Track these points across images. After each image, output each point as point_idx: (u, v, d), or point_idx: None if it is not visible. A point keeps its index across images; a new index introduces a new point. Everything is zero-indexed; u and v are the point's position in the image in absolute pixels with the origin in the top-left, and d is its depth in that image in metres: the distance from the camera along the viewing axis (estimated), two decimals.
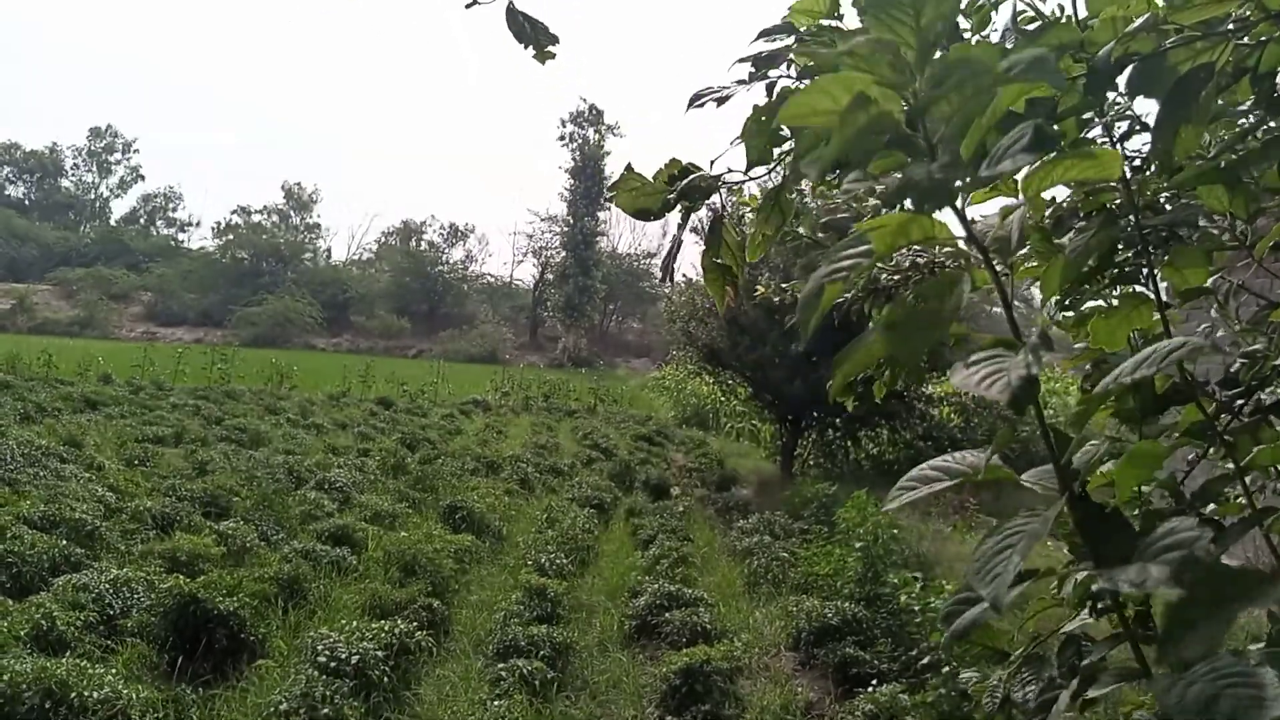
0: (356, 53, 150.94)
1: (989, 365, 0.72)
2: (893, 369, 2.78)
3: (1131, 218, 1.39)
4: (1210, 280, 1.75)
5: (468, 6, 1.81)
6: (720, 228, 1.31)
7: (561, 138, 54.40)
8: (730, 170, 1.24)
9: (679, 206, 1.29)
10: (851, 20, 1.32)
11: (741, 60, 1.33)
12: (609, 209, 52.78)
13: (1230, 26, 1.10)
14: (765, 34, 1.33)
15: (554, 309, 55.60)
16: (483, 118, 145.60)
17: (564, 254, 54.51)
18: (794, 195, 1.30)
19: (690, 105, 1.31)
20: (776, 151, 1.29)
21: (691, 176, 1.26)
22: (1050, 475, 0.84)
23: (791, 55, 1.32)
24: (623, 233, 64.99)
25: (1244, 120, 1.57)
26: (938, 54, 0.76)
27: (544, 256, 57.94)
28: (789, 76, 1.34)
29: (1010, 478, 0.84)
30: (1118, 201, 1.46)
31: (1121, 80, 1.19)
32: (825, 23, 1.32)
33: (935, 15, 0.73)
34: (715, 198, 1.31)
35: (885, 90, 0.73)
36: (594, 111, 54.53)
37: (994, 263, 0.78)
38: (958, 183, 0.72)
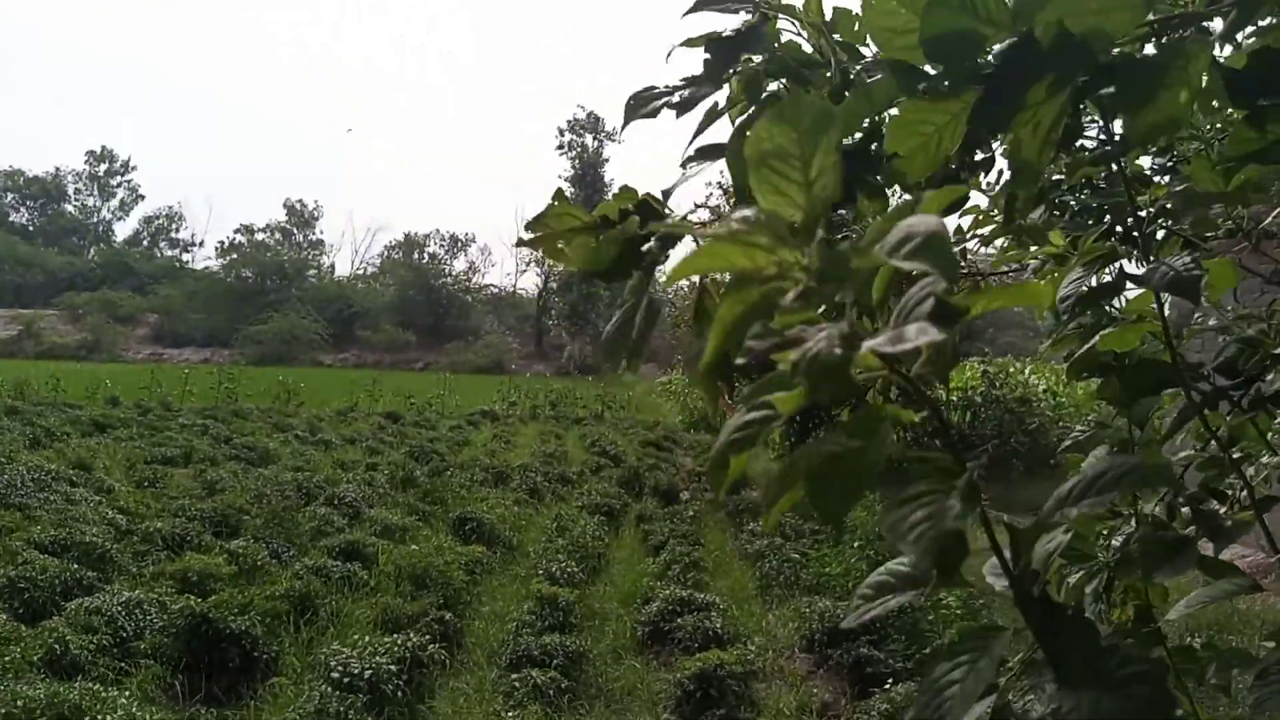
0: (356, 66, 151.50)
1: (919, 510, 0.63)
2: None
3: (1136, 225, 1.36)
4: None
5: None
6: (704, 297, 0.92)
7: (560, 146, 54.62)
8: (697, 208, 0.98)
9: (638, 266, 0.90)
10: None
11: (692, 42, 1.02)
12: None
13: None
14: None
15: (559, 317, 55.68)
16: (482, 128, 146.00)
17: None
18: None
19: (628, 118, 1.02)
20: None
21: (662, 227, 0.88)
22: (999, 571, 0.75)
23: (765, 42, 1.04)
24: None
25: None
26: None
27: (547, 265, 57.99)
28: (755, 68, 1.07)
29: (967, 588, 0.76)
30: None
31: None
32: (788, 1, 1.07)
33: (823, 165, 0.64)
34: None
35: (775, 265, 0.64)
36: (592, 118, 54.70)
37: (923, 387, 0.68)
38: (858, 354, 0.60)
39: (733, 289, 0.64)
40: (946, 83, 0.89)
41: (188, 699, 5.47)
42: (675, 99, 1.00)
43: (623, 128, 1.05)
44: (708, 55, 1.02)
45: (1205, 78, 0.92)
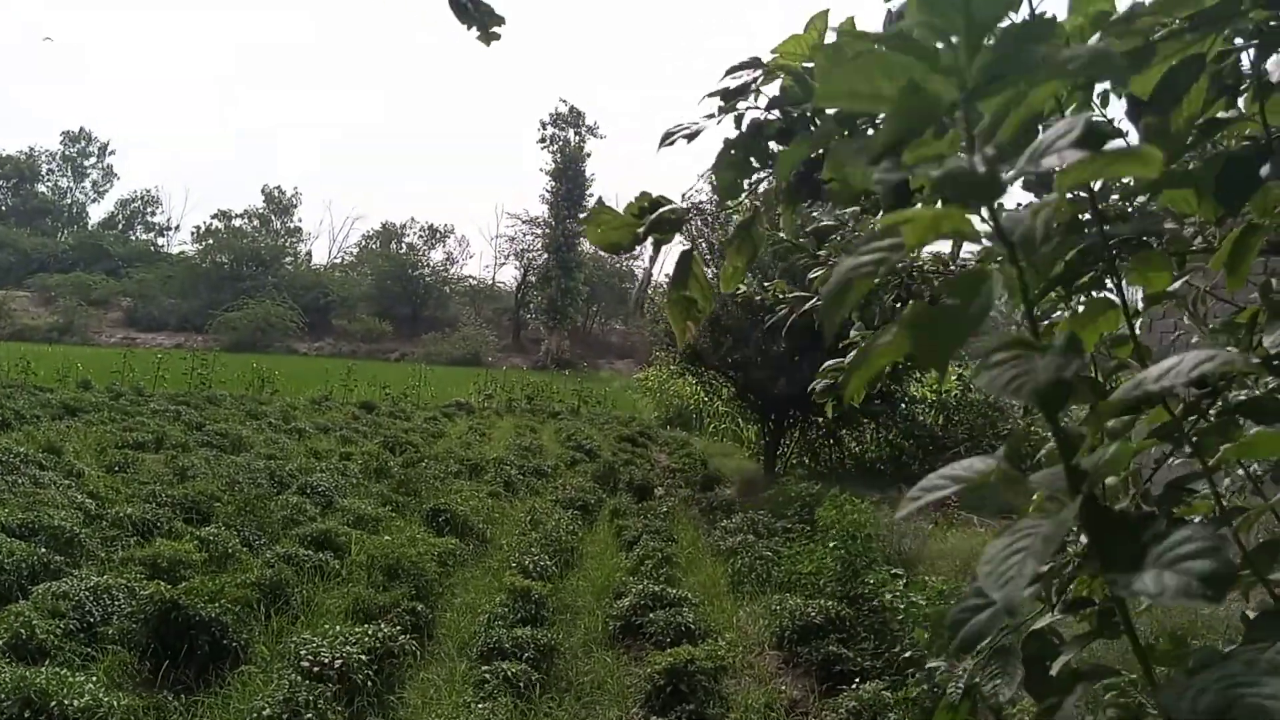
0: (336, 53, 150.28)
1: (1014, 367, 0.68)
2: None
3: (1100, 226, 1.40)
4: (1178, 284, 1.76)
5: None
6: (690, 262, 1.31)
7: (542, 140, 54.27)
8: (701, 203, 1.25)
9: (650, 240, 1.30)
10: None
11: (711, 94, 1.36)
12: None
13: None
14: (732, 71, 1.36)
15: (536, 311, 55.55)
16: (462, 119, 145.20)
17: (546, 256, 54.45)
18: (765, 227, 1.32)
19: (661, 144, 1.35)
20: (746, 183, 1.35)
21: (661, 210, 1.26)
22: (1058, 477, 0.78)
23: (757, 88, 1.37)
24: None
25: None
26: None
27: (526, 259, 57.84)
28: (756, 107, 1.38)
29: (1021, 483, 0.78)
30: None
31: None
32: (807, 65, 1.36)
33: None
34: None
35: (935, 76, 0.72)
36: (574, 113, 54.47)
37: (1019, 260, 0.75)
38: (1003, 177, 0.70)
39: (905, 94, 0.72)
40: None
41: (156, 685, 5.43)
42: (689, 131, 1.38)
43: (656, 151, 1.40)
44: (721, 102, 1.38)
45: None
